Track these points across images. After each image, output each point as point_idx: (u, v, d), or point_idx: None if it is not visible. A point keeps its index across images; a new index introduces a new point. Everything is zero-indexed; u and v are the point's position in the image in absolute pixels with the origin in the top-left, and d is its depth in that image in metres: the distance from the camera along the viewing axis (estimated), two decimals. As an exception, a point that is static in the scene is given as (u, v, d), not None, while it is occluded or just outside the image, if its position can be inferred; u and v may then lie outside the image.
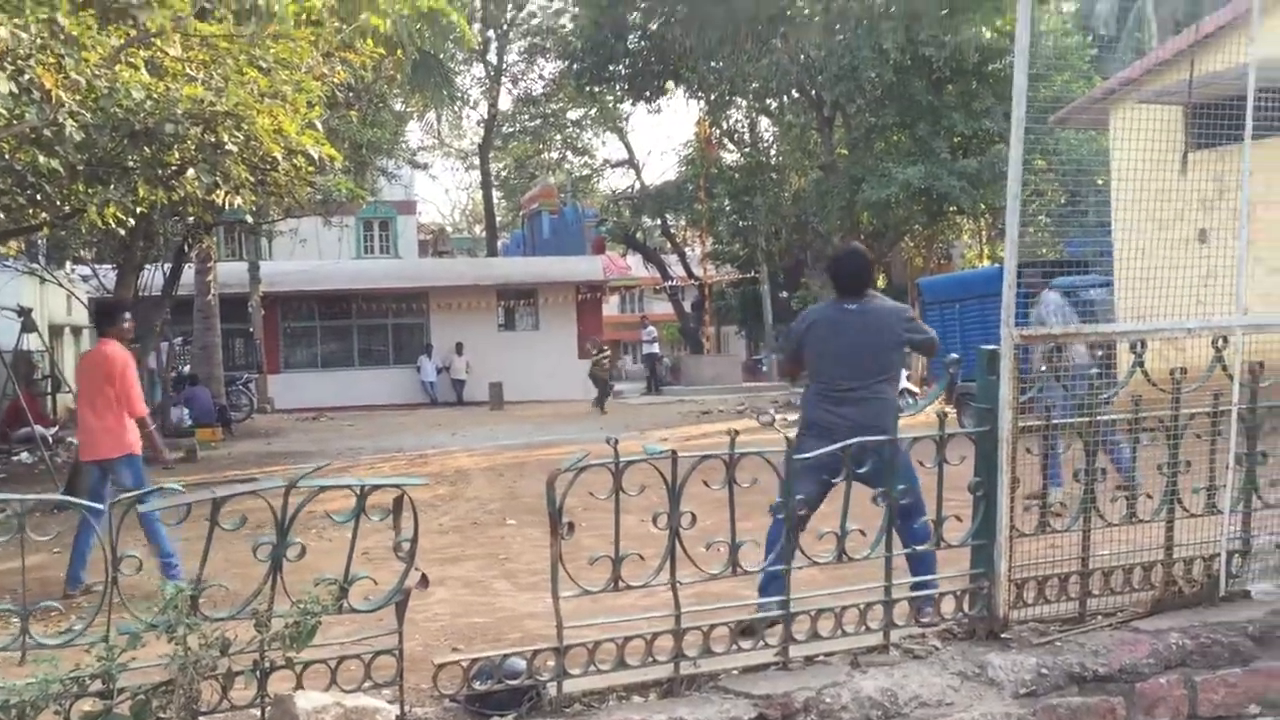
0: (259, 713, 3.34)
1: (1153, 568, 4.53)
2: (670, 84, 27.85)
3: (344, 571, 3.52)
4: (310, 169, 8.57)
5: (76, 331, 26.64)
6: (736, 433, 3.94)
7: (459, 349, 29.55)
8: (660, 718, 3.56)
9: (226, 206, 8.49)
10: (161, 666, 3.21)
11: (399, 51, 12.09)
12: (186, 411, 19.11)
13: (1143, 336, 4.53)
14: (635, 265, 47.02)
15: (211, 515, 3.29)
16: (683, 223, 40.99)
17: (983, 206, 22.96)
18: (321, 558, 3.87)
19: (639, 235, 42.35)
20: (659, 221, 40.87)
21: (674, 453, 3.78)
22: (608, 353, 25.42)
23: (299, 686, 3.40)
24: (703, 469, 3.86)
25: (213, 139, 7.27)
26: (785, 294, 38.83)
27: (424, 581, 3.76)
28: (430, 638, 5.46)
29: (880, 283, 34.84)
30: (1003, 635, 4.21)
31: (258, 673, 3.35)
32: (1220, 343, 4.56)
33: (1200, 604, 4.53)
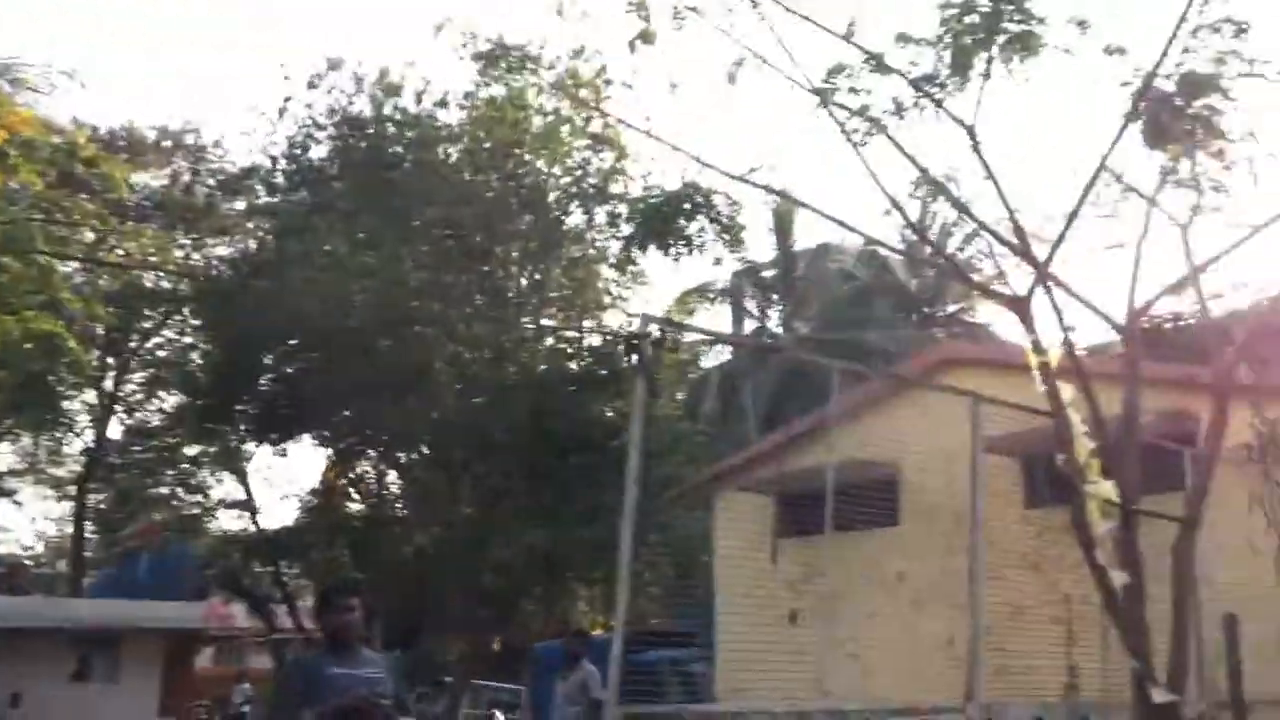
0: None
1: None
2: (299, 429, 27.42)
3: None
4: None
5: None
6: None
7: (14, 701, 25.80)
8: None
9: None
10: None
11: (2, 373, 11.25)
12: None
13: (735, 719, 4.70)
14: (240, 614, 43.85)
15: None
16: (296, 570, 39.15)
17: (597, 574, 23.64)
18: None
19: (247, 582, 39.87)
20: (272, 568, 38.82)
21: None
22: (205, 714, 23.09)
23: None
24: None
25: None
26: (398, 651, 37.42)
27: None
28: None
29: (496, 645, 34.47)
30: None
31: None
32: (804, 728, 4.80)
33: None
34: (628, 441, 22.45)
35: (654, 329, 5.60)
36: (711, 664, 13.01)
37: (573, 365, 24.63)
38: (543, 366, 24.63)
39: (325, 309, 22.08)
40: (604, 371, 23.29)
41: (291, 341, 25.03)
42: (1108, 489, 5.34)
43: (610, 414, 22.45)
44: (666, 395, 23.81)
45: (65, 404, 29.97)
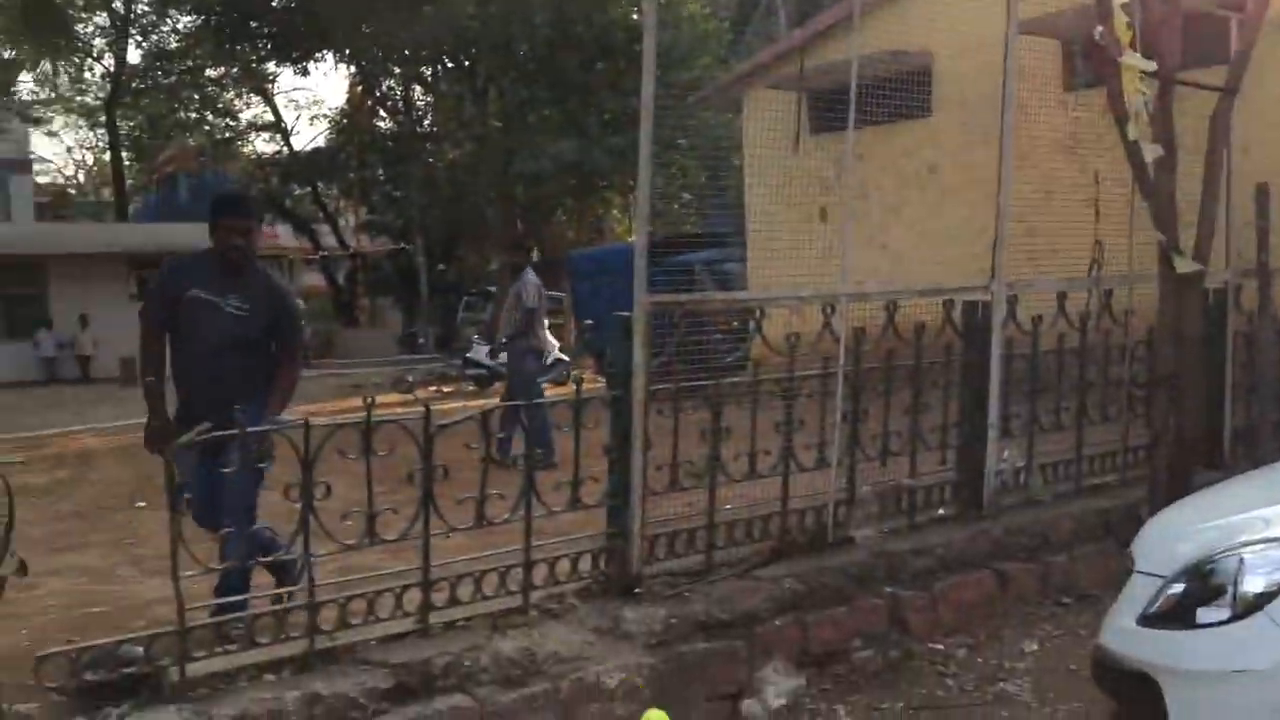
0: None
1: (771, 519, 4.88)
2: (320, 46, 26.71)
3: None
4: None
5: None
6: (373, 401, 3.87)
7: (83, 322, 27.18)
8: (294, 694, 3.46)
9: None
10: None
11: (1, -9, 10.82)
12: None
13: (762, 304, 4.85)
14: (285, 235, 45.00)
15: None
16: (335, 191, 39.66)
17: (631, 182, 23.75)
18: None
19: (288, 204, 40.55)
20: (310, 189, 39.32)
21: (306, 422, 3.66)
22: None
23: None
24: (341, 439, 3.78)
25: None
26: (441, 266, 38.54)
27: (23, 569, 3.44)
28: (40, 630, 5.01)
29: (535, 255, 35.35)
30: (636, 590, 4.40)
31: None
32: (828, 310, 4.95)
33: (812, 551, 4.92)
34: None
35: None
36: (744, 265, 13.24)
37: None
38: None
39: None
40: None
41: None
42: (1144, 61, 5.15)
43: (635, 17, 21.61)
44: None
45: (78, 27, 29.14)
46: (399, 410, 5.62)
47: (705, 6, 22.94)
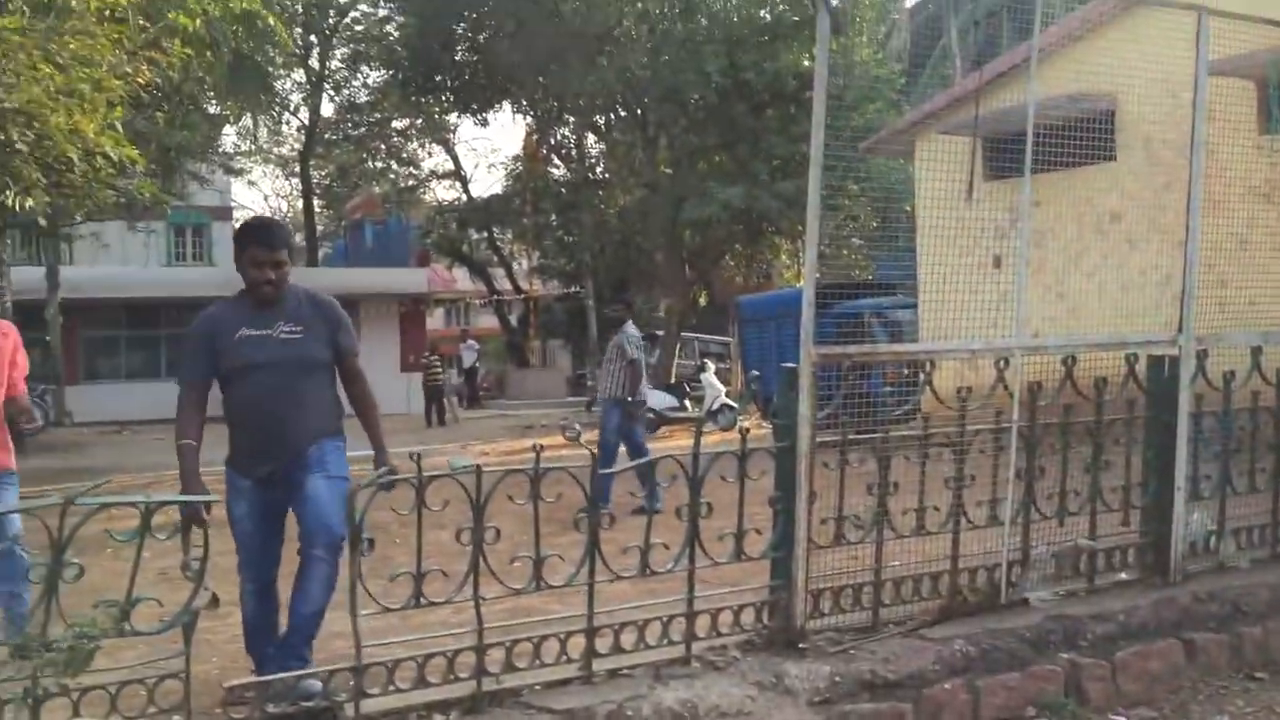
0: (30, 743, 3.16)
1: (940, 577, 4.75)
2: (499, 98, 27.66)
3: (126, 593, 3.37)
4: (110, 171, 8.19)
5: None
6: (542, 447, 3.95)
7: (275, 361, 28.60)
8: (461, 736, 3.54)
9: (17, 208, 8.01)
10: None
11: (208, 53, 11.66)
12: (-27, 424, 17.89)
13: (932, 357, 4.76)
14: (461, 278, 46.55)
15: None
16: (509, 236, 40.83)
17: (799, 228, 23.67)
18: (116, 579, 3.70)
19: (465, 248, 41.96)
20: (485, 234, 40.60)
21: (478, 468, 3.76)
22: (439, 364, 24.99)
23: (75, 715, 3.23)
24: (510, 483, 3.87)
25: (1, 137, 6.86)
26: (609, 309, 39.10)
27: (214, 601, 3.63)
28: (228, 659, 5.26)
29: (702, 299, 35.56)
30: (800, 645, 4.34)
31: (29, 700, 3.16)
32: (1002, 363, 4.82)
33: (983, 611, 4.77)
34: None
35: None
36: (914, 311, 13.03)
37: (764, 13, 23.57)
38: (734, 17, 23.69)
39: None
40: (796, 18, 22.21)
41: (481, 8, 24.83)
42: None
43: (806, 62, 21.63)
44: (865, 39, 22.63)
45: (277, 84, 30.98)
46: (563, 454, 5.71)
47: (877, 52, 22.80)
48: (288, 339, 4.43)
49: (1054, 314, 9.12)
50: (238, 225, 4.99)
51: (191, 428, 4.29)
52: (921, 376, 4.82)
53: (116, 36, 7.85)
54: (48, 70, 7.29)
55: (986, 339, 4.92)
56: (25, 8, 7.20)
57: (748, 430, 4.35)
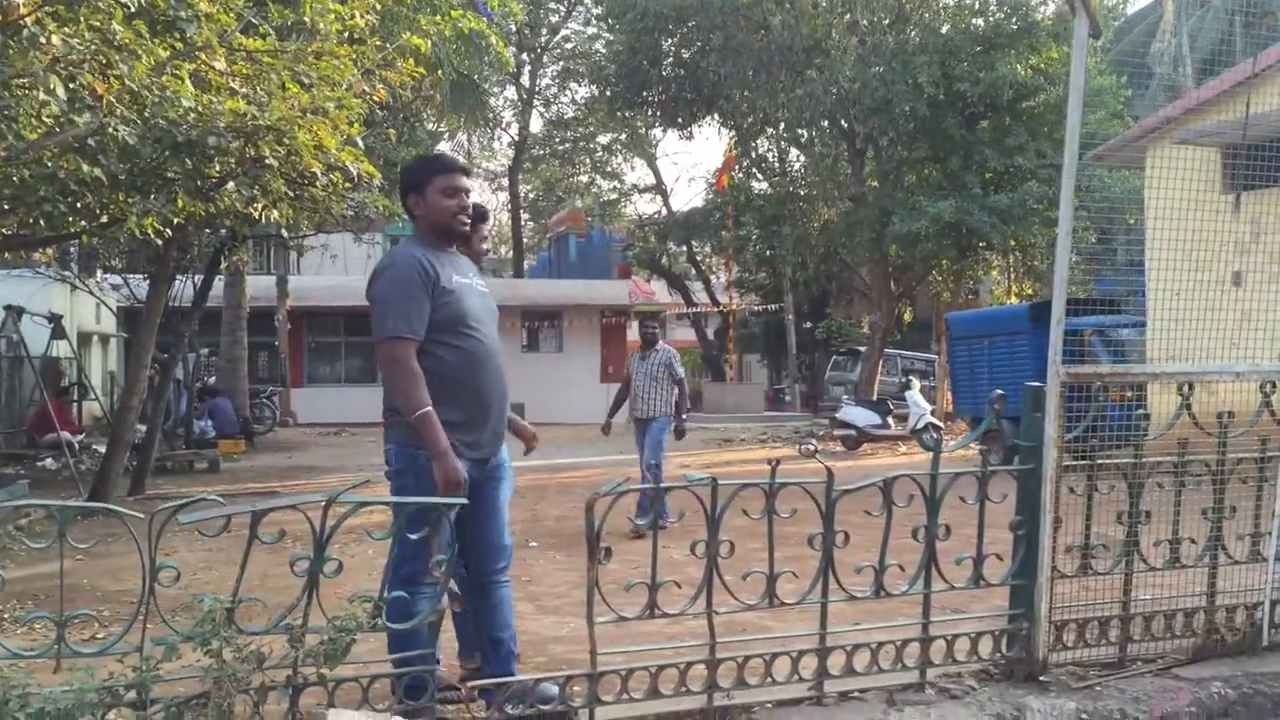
0: (290, 728, 3.31)
1: (1194, 614, 4.46)
2: (703, 112, 27.80)
3: (380, 588, 3.49)
4: (347, 185, 8.61)
5: (104, 340, 26.80)
6: (778, 462, 3.90)
7: (480, 370, 29.52)
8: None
9: (263, 220, 8.52)
10: (195, 679, 3.18)
11: (439, 72, 12.14)
12: (210, 423, 19.16)
13: (1190, 379, 4.47)
14: (660, 291, 47.09)
15: (251, 528, 3.27)
16: (708, 250, 41.03)
17: (1012, 243, 22.85)
18: (349, 574, 3.85)
19: (665, 261, 42.40)
20: (685, 248, 40.91)
21: (714, 480, 3.74)
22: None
23: (330, 704, 3.37)
24: (739, 498, 3.83)
25: (254, 153, 7.29)
26: (809, 324, 38.76)
27: (457, 601, 3.73)
28: (453, 658, 5.41)
29: (906, 315, 34.79)
30: (1041, 678, 4.14)
31: (290, 689, 3.31)
32: (1269, 388, 4.49)
33: (1242, 653, 4.45)
34: (1043, 101, 20.64)
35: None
36: (1140, 329, 12.34)
37: (979, 21, 22.89)
38: (946, 26, 23.11)
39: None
40: (1015, 25, 21.47)
41: (690, 23, 25.01)
42: None
43: (1023, 71, 20.90)
44: (1090, 44, 21.70)
45: (491, 101, 32.11)
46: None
47: (1100, 61, 21.81)
48: (485, 294, 4.06)
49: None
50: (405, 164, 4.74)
51: (420, 388, 3.70)
52: (1164, 399, 4.54)
53: (355, 56, 8.21)
54: (295, 90, 7.69)
55: (1251, 361, 4.59)
56: (272, 30, 7.62)
57: (940, 445, 4.14)
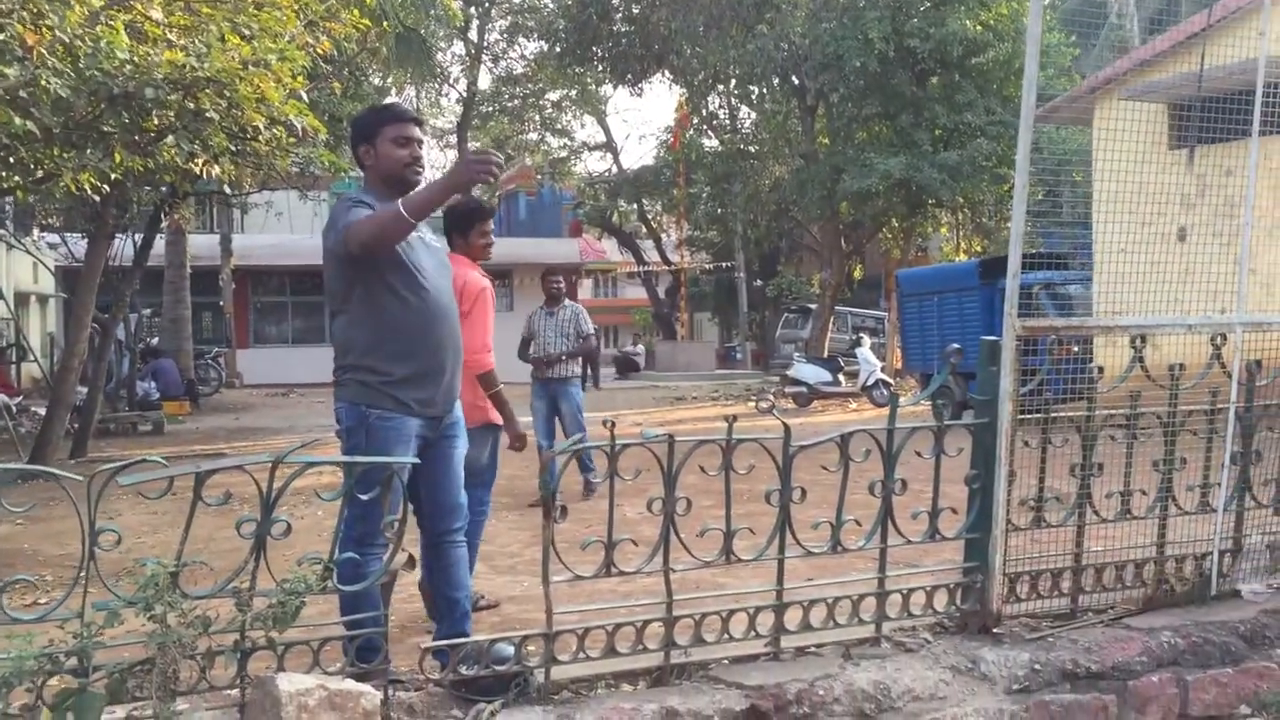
0: (238, 693, 3.23)
1: (1145, 565, 4.50)
2: (654, 68, 27.56)
3: (330, 551, 3.41)
4: (291, 140, 8.41)
5: (43, 300, 26.21)
6: (735, 418, 3.86)
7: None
8: (651, 707, 3.48)
9: (204, 176, 8.30)
10: (140, 645, 3.09)
11: (384, 24, 11.89)
12: (153, 384, 18.85)
13: (1144, 332, 4.48)
14: (610, 249, 46.88)
15: (195, 490, 3.17)
16: (659, 208, 40.90)
17: (961, 200, 22.97)
18: (298, 536, 3.77)
19: (615, 219, 42.21)
20: (635, 206, 40.75)
21: (671, 437, 3.69)
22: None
23: (280, 668, 3.30)
24: (695, 455, 3.78)
25: (193, 106, 7.08)
26: (760, 282, 38.85)
27: (410, 562, 3.66)
28: (406, 619, 5.36)
29: (857, 273, 34.93)
30: (995, 630, 4.16)
31: (238, 653, 3.24)
32: (1219, 340, 4.51)
33: (1191, 603, 4.50)
34: (993, 58, 20.65)
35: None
36: (1088, 285, 12.46)
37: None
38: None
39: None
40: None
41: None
42: None
43: (973, 27, 20.91)
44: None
45: (438, 56, 31.59)
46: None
47: (1051, 20, 21.84)
48: (437, 250, 4.06)
49: (1246, 290, 8.60)
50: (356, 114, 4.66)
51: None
52: (1113, 352, 4.57)
53: (298, 7, 8.00)
54: (235, 41, 7.48)
55: (1201, 313, 4.62)
56: (211, -20, 7.39)
57: (897, 400, 4.12)
